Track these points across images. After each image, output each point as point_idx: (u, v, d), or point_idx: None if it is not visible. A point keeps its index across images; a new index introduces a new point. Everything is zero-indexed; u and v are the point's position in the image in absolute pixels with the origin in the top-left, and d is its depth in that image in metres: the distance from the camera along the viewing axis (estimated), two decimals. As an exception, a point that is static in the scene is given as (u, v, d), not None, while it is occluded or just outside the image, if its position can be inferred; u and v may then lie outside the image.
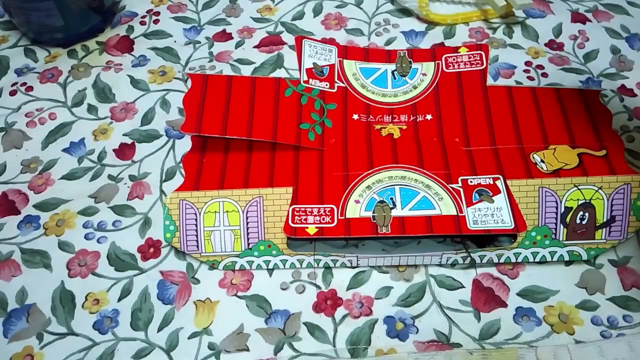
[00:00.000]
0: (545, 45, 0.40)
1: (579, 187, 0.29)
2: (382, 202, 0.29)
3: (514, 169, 0.30)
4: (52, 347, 0.28)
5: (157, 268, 0.31)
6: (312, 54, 0.35)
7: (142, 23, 0.43)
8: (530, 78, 0.38)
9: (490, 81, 0.38)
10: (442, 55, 0.35)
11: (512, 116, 0.33)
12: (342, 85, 0.35)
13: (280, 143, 0.32)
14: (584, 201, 0.29)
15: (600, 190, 0.29)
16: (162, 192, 0.34)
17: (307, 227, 0.29)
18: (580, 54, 0.39)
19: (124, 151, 0.36)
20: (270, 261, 0.30)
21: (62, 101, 0.38)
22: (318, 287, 0.30)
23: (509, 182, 0.30)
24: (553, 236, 0.29)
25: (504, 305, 0.29)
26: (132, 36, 0.42)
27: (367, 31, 0.41)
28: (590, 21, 0.41)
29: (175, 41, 0.42)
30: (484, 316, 0.29)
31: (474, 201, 0.29)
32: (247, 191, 0.30)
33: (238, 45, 0.41)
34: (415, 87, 0.34)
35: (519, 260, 0.30)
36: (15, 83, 0.39)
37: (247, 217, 0.30)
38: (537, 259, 0.30)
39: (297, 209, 0.29)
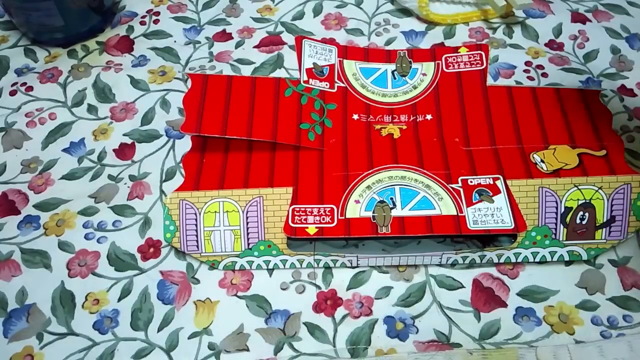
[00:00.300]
0: (545, 45, 0.40)
1: (579, 187, 0.29)
2: (382, 202, 0.29)
3: (514, 169, 0.30)
4: (52, 347, 0.28)
5: (157, 268, 0.31)
6: (312, 54, 0.35)
7: (142, 23, 0.43)
8: (530, 78, 0.38)
9: (490, 81, 0.38)
10: (442, 55, 0.35)
11: (512, 116, 0.33)
12: (342, 85, 0.35)
13: (280, 143, 0.32)
14: (584, 201, 0.29)
15: (600, 190, 0.29)
16: (162, 192, 0.34)
17: (307, 227, 0.29)
18: (580, 54, 0.39)
19: (124, 151, 0.36)
20: (270, 261, 0.30)
21: (62, 101, 0.38)
22: (318, 287, 0.30)
23: (509, 182, 0.30)
24: (553, 236, 0.29)
25: (504, 305, 0.29)
26: (132, 36, 0.42)
27: (367, 31, 0.41)
28: (590, 21, 0.41)
29: (175, 41, 0.42)
30: (484, 316, 0.29)
31: (474, 201, 0.29)
32: (247, 191, 0.30)
33: (238, 45, 0.41)
34: (415, 87, 0.34)
35: (519, 260, 0.30)
36: (15, 83, 0.39)
37: (247, 217, 0.30)
38: (537, 259, 0.30)
39: (297, 209, 0.29)
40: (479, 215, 0.29)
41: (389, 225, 0.29)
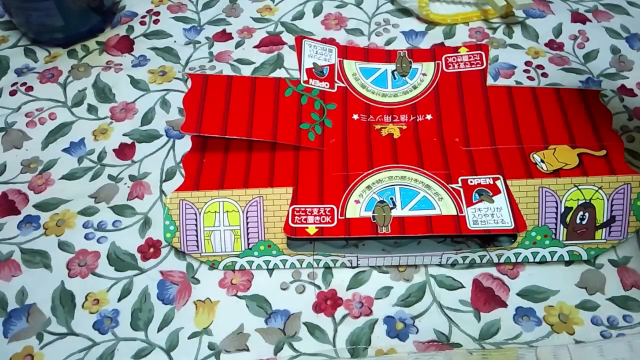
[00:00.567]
0: (545, 45, 0.40)
1: (579, 187, 0.29)
2: (382, 202, 0.29)
3: (514, 169, 0.30)
4: (52, 347, 0.28)
5: (157, 268, 0.31)
6: (312, 54, 0.35)
7: (142, 23, 0.43)
8: (530, 78, 0.38)
9: (490, 81, 0.38)
10: (442, 55, 0.35)
11: (512, 116, 0.33)
12: (342, 85, 0.35)
13: (280, 143, 0.32)
14: (584, 201, 0.29)
15: (600, 190, 0.29)
16: (162, 192, 0.34)
17: (307, 227, 0.29)
18: (580, 54, 0.39)
19: (124, 151, 0.36)
20: (270, 261, 0.30)
21: (62, 101, 0.38)
22: (318, 287, 0.30)
23: (509, 182, 0.30)
24: (553, 236, 0.29)
25: (504, 305, 0.29)
26: (132, 36, 0.42)
27: (367, 31, 0.41)
28: (590, 21, 0.41)
29: (175, 41, 0.42)
30: (484, 316, 0.29)
31: (474, 201, 0.29)
32: (247, 191, 0.30)
33: (238, 45, 0.41)
34: (415, 87, 0.34)
35: (519, 260, 0.30)
36: (15, 83, 0.39)
37: (247, 217, 0.30)
38: (537, 259, 0.30)
39: (297, 209, 0.29)
40: (479, 215, 0.29)
41: (389, 225, 0.29)
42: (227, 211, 0.30)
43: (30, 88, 0.39)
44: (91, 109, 0.38)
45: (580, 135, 0.32)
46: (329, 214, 0.29)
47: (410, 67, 0.35)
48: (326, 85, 0.34)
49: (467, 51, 0.35)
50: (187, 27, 0.43)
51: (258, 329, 0.29)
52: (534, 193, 0.30)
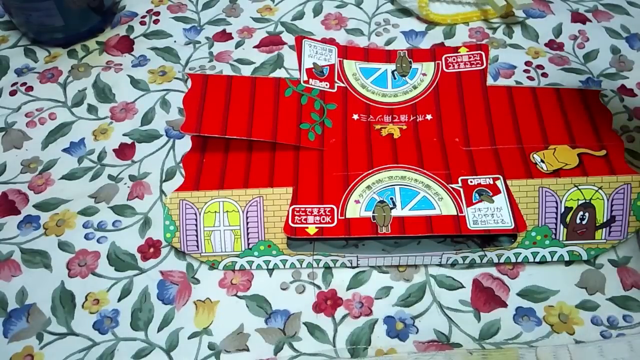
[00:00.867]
0: (545, 45, 0.40)
1: (579, 187, 0.29)
2: (382, 202, 0.29)
3: (514, 169, 0.30)
4: (52, 347, 0.28)
5: (157, 268, 0.31)
6: (312, 54, 0.35)
7: (142, 23, 0.43)
8: (530, 78, 0.38)
9: (490, 81, 0.38)
10: (442, 55, 0.35)
11: (512, 116, 0.33)
12: (342, 85, 0.35)
13: (280, 143, 0.32)
14: (584, 201, 0.29)
15: (600, 190, 0.29)
16: (162, 192, 0.34)
17: (307, 227, 0.29)
18: (580, 54, 0.39)
19: (124, 151, 0.36)
20: (270, 261, 0.30)
21: (62, 101, 0.38)
22: (318, 287, 0.30)
23: (509, 182, 0.30)
24: (553, 236, 0.29)
25: (504, 305, 0.29)
26: (132, 36, 0.42)
27: (367, 31, 0.41)
28: (590, 21, 0.41)
29: (175, 41, 0.42)
30: (484, 316, 0.29)
31: (474, 201, 0.29)
32: (247, 191, 0.30)
33: (238, 45, 0.41)
34: (415, 87, 0.34)
35: (519, 260, 0.30)
36: (15, 83, 0.39)
37: (247, 217, 0.30)
38: (537, 259, 0.30)
39: (297, 209, 0.29)
40: (479, 215, 0.29)
41: (389, 225, 0.29)
42: (227, 211, 0.30)
43: (30, 88, 0.39)
44: (91, 109, 0.38)
45: (580, 135, 0.32)
46: (329, 214, 0.29)
47: (410, 67, 0.35)
48: (326, 85, 0.34)
49: (467, 51, 0.35)
50: (187, 27, 0.43)
51: (258, 329, 0.29)
52: (534, 193, 0.30)
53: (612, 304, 0.29)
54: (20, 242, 0.32)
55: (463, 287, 0.30)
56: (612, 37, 0.40)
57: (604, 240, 0.29)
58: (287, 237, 0.30)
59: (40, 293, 0.30)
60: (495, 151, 0.31)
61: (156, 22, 0.43)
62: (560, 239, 0.29)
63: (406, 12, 0.43)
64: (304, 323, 0.29)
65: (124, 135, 0.36)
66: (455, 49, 0.35)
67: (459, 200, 0.29)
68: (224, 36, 0.42)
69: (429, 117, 0.33)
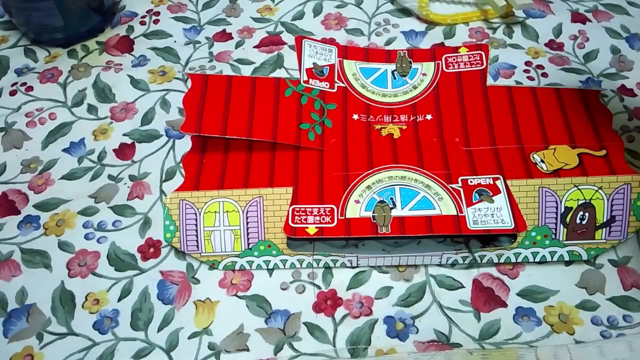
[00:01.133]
0: (545, 45, 0.40)
1: (579, 187, 0.29)
2: (382, 202, 0.29)
3: (514, 169, 0.30)
4: (52, 347, 0.28)
5: (157, 268, 0.31)
6: (312, 54, 0.35)
7: (142, 23, 0.43)
8: (530, 78, 0.38)
9: (490, 81, 0.38)
10: (442, 55, 0.35)
11: (512, 116, 0.33)
12: (342, 85, 0.35)
13: (280, 143, 0.32)
14: (584, 201, 0.29)
15: (600, 190, 0.29)
16: (162, 192, 0.34)
17: (307, 227, 0.29)
18: (580, 54, 0.39)
19: (124, 151, 0.36)
20: (270, 261, 0.30)
21: (62, 101, 0.38)
22: (318, 287, 0.30)
23: (509, 182, 0.30)
24: (553, 236, 0.29)
25: (504, 305, 0.29)
26: (132, 36, 0.42)
27: (367, 31, 0.41)
28: (590, 21, 0.41)
29: (175, 41, 0.42)
30: (484, 316, 0.29)
31: (474, 201, 0.29)
32: (247, 191, 0.30)
33: (238, 45, 0.41)
34: (415, 87, 0.34)
35: (519, 260, 0.30)
36: (15, 83, 0.39)
37: (247, 217, 0.30)
38: (537, 259, 0.30)
39: (297, 209, 0.29)
40: (479, 215, 0.29)
41: (389, 225, 0.29)
42: (227, 211, 0.30)
43: (30, 88, 0.39)
44: (91, 109, 0.38)
45: (580, 135, 0.32)
46: (329, 214, 0.29)
47: (410, 67, 0.35)
48: (326, 85, 0.34)
49: (467, 51, 0.35)
50: (187, 27, 0.43)
51: (258, 329, 0.29)
52: (534, 193, 0.30)
53: (612, 304, 0.29)
54: (20, 242, 0.32)
55: (463, 287, 0.30)
56: (612, 37, 0.40)
57: (604, 240, 0.29)
58: (287, 237, 0.30)
59: (40, 293, 0.30)
60: (495, 151, 0.31)
61: (156, 22, 0.43)
62: (560, 239, 0.29)
63: (406, 12, 0.43)
64: (304, 323, 0.29)
65: (124, 135, 0.36)
66: (455, 49, 0.35)
67: (459, 200, 0.29)
68: (224, 36, 0.42)
69: (429, 117, 0.33)
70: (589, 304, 0.29)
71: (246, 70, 0.39)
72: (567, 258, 0.30)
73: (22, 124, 0.37)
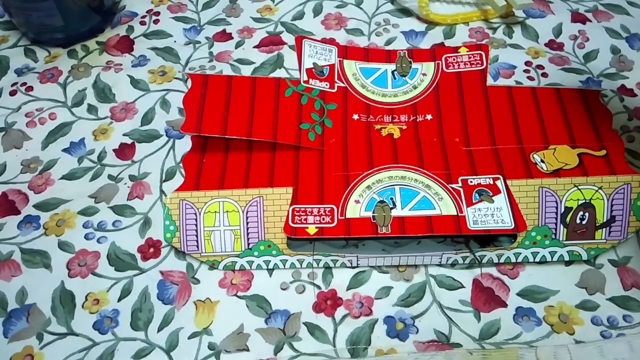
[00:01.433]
0: (545, 45, 0.40)
1: (579, 187, 0.29)
2: (382, 202, 0.29)
3: (514, 169, 0.30)
4: (52, 347, 0.28)
5: (157, 268, 0.31)
6: (312, 54, 0.35)
7: (142, 23, 0.43)
8: (530, 78, 0.38)
9: (490, 81, 0.38)
10: (442, 55, 0.35)
11: (512, 116, 0.33)
12: (342, 85, 0.35)
13: (280, 143, 0.32)
14: (584, 201, 0.29)
15: (600, 190, 0.29)
16: (162, 192, 0.34)
17: (307, 227, 0.29)
18: (580, 54, 0.39)
19: (124, 151, 0.36)
20: (270, 261, 0.30)
21: (62, 101, 0.38)
22: (318, 287, 0.30)
23: (509, 182, 0.30)
24: (553, 236, 0.29)
25: (504, 305, 0.29)
26: (132, 36, 0.42)
27: (367, 31, 0.41)
28: (590, 21, 0.41)
29: (175, 41, 0.42)
30: (484, 316, 0.29)
31: (474, 201, 0.29)
32: (247, 191, 0.30)
33: (238, 45, 0.41)
34: (415, 87, 0.34)
35: (519, 260, 0.30)
36: (15, 83, 0.39)
37: (247, 217, 0.30)
38: (537, 259, 0.30)
39: (297, 209, 0.29)
40: (479, 215, 0.29)
41: (389, 225, 0.29)
42: (227, 211, 0.30)
43: (30, 88, 0.39)
44: (91, 109, 0.38)
45: (580, 135, 0.32)
46: (329, 214, 0.29)
47: (410, 67, 0.35)
48: (326, 85, 0.34)
49: (467, 51, 0.35)
50: (187, 27, 0.43)
51: (258, 329, 0.29)
52: (534, 193, 0.30)
53: (612, 304, 0.29)
54: (20, 242, 0.32)
55: (463, 287, 0.30)
56: (612, 37, 0.40)
57: (604, 240, 0.29)
58: (287, 237, 0.30)
59: (40, 293, 0.30)
60: (495, 151, 0.31)
61: (156, 22, 0.43)
62: (560, 239, 0.29)
63: (406, 12, 0.43)
64: (304, 323, 0.29)
65: (124, 135, 0.36)
66: (455, 49, 0.35)
67: (459, 200, 0.29)
68: (224, 36, 0.42)
69: (429, 117, 0.33)
70: (589, 304, 0.29)
71: (246, 70, 0.39)
72: (567, 258, 0.30)
73: (22, 124, 0.37)
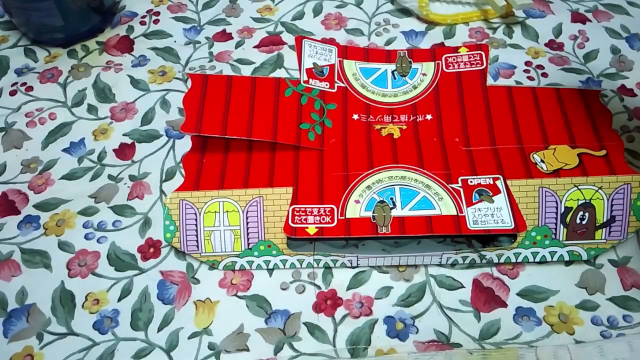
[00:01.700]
0: (545, 45, 0.40)
1: (579, 187, 0.29)
2: (382, 202, 0.29)
3: (514, 169, 0.30)
4: (52, 347, 0.28)
5: (157, 268, 0.31)
6: (312, 54, 0.35)
7: (142, 23, 0.43)
8: (530, 78, 0.38)
9: (490, 81, 0.38)
10: (442, 55, 0.35)
11: (512, 116, 0.33)
12: (342, 85, 0.35)
13: (280, 143, 0.32)
14: (584, 201, 0.29)
15: (600, 190, 0.29)
16: (162, 192, 0.34)
17: (307, 227, 0.29)
18: (580, 54, 0.39)
19: (124, 151, 0.36)
20: (270, 261, 0.30)
21: (62, 101, 0.38)
22: (318, 287, 0.30)
23: (509, 182, 0.30)
24: (553, 236, 0.29)
25: (504, 305, 0.29)
26: (132, 36, 0.42)
27: (367, 31, 0.41)
28: (590, 21, 0.41)
29: (175, 41, 0.42)
30: (484, 316, 0.29)
31: (474, 201, 0.29)
32: (247, 191, 0.30)
33: (238, 45, 0.41)
34: (415, 87, 0.34)
35: (519, 260, 0.30)
36: (15, 83, 0.39)
37: (247, 217, 0.30)
38: (537, 259, 0.30)
39: (297, 209, 0.29)
40: (479, 215, 0.29)
41: (389, 225, 0.29)
42: (227, 211, 0.30)
43: (30, 88, 0.39)
44: (91, 109, 0.38)
45: (580, 135, 0.32)
46: (329, 214, 0.29)
47: (410, 67, 0.35)
48: (326, 85, 0.34)
49: (467, 51, 0.35)
50: (187, 27, 0.43)
51: (258, 329, 0.29)
52: (534, 193, 0.30)
53: (612, 304, 0.29)
54: (20, 242, 0.32)
55: (463, 287, 0.30)
56: (612, 37, 0.40)
57: (604, 240, 0.29)
58: (287, 237, 0.30)
59: (40, 293, 0.30)
60: (495, 151, 0.31)
61: (156, 22, 0.43)
62: (560, 239, 0.29)
63: (406, 12, 0.43)
64: (304, 323, 0.29)
65: (124, 135, 0.36)
66: (455, 49, 0.35)
67: (459, 200, 0.29)
68: (224, 36, 0.42)
69: (429, 117, 0.33)
70: (589, 304, 0.29)
71: (246, 70, 0.39)
72: (567, 258, 0.30)
73: (22, 124, 0.37)
